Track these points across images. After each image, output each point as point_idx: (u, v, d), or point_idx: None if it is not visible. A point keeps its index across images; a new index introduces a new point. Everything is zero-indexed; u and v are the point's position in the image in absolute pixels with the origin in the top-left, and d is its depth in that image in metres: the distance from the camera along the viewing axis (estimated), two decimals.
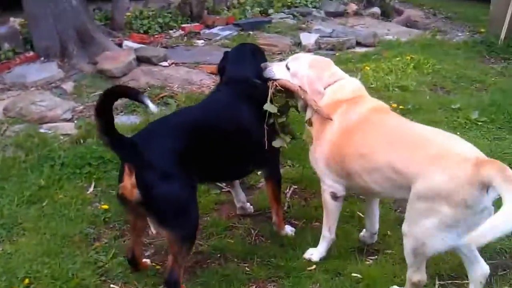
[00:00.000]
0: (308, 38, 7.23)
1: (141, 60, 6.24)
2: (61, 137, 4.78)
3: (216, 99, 3.36)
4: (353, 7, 9.46)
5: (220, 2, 8.85)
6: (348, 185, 3.12)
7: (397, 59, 6.48)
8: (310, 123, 3.23)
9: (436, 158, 2.62)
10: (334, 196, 3.18)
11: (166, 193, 2.68)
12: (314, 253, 3.31)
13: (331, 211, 3.24)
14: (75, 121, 5.13)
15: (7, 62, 6.28)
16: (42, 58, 6.41)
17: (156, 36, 7.35)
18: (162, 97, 5.46)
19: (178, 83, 5.83)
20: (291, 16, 8.58)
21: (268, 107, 3.25)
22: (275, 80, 3.30)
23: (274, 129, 3.28)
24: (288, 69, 3.32)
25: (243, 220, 3.69)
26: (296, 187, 4.10)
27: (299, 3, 9.22)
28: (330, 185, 3.17)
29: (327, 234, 3.29)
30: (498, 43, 7.40)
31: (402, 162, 2.72)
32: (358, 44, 7.43)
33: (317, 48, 7.12)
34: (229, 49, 3.86)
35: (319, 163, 3.19)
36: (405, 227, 2.77)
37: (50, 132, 4.88)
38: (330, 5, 9.31)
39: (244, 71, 3.41)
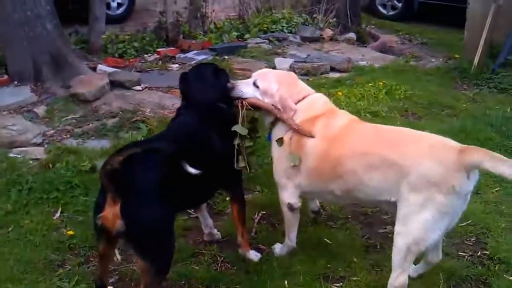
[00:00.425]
0: (283, 63, 7.30)
1: (114, 84, 6.24)
2: (31, 162, 4.74)
3: (183, 124, 3.31)
4: (328, 32, 9.57)
5: (197, 26, 8.92)
6: (332, 189, 3.21)
7: (370, 84, 6.57)
8: (281, 141, 3.30)
9: (425, 150, 2.87)
10: (291, 208, 3.41)
11: (151, 225, 2.68)
12: (281, 248, 3.60)
13: (289, 221, 3.50)
14: (45, 146, 5.10)
15: None
16: (16, 82, 6.37)
17: (131, 60, 7.37)
18: (134, 122, 5.44)
19: (150, 107, 5.83)
20: (267, 41, 8.66)
21: (239, 128, 3.30)
22: (244, 99, 3.34)
23: (239, 150, 3.34)
24: (257, 87, 3.35)
25: (210, 247, 3.68)
26: (264, 212, 4.11)
27: (276, 28, 9.32)
28: (289, 196, 3.38)
29: (288, 242, 3.57)
30: (471, 69, 7.47)
31: (398, 156, 2.90)
32: (332, 69, 7.51)
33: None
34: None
35: (282, 176, 3.37)
36: (398, 227, 2.90)
37: (19, 156, 4.83)
38: (306, 31, 9.41)
39: (208, 94, 3.34)
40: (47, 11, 6.29)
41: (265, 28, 9.28)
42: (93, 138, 5.29)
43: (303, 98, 3.35)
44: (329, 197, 3.39)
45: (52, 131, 5.47)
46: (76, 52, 7.15)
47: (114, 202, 2.63)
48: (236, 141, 3.32)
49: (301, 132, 3.20)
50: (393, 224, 3.86)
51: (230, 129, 3.32)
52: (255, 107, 3.35)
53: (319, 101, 3.39)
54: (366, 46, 9.97)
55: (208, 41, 8.20)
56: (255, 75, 3.47)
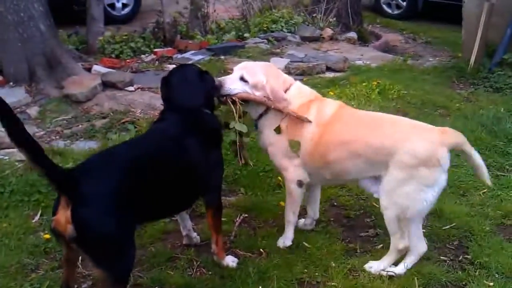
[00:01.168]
0: (278, 63, 7.23)
1: (107, 85, 6.23)
2: (16, 164, 4.73)
3: (161, 130, 3.24)
4: (328, 32, 9.49)
5: (198, 26, 8.90)
6: (322, 173, 3.45)
7: (364, 84, 6.50)
8: (279, 130, 3.42)
9: (409, 130, 3.20)
10: (300, 184, 3.51)
11: (102, 232, 2.56)
12: (284, 240, 3.66)
13: (297, 197, 3.57)
14: None
15: None
16: (11, 83, 6.40)
17: (127, 60, 7.36)
18: (124, 123, 5.44)
19: (141, 108, 5.83)
20: (265, 41, 8.61)
21: (239, 126, 3.36)
22: (234, 95, 3.36)
23: (239, 148, 3.45)
24: (246, 81, 3.38)
25: (187, 251, 3.64)
26: (246, 215, 4.08)
27: (275, 28, 9.26)
28: (296, 175, 3.48)
29: (292, 218, 3.65)
30: (467, 68, 7.41)
31: (382, 140, 3.18)
32: (328, 69, 7.44)
33: (287, 73, 7.03)
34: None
35: (282, 158, 3.49)
36: (384, 201, 3.22)
37: (6, 158, 4.83)
38: (306, 30, 9.34)
39: (190, 98, 3.24)
40: (40, 12, 6.29)
41: (265, 28, 9.22)
42: (81, 139, 5.29)
43: (290, 86, 3.50)
44: (320, 179, 3.58)
45: (42, 133, 5.48)
46: (72, 53, 7.17)
47: (66, 205, 2.52)
48: (237, 139, 3.42)
49: (299, 118, 3.33)
50: (375, 227, 3.91)
51: (213, 136, 3.28)
52: (245, 101, 3.40)
53: (305, 88, 3.58)
54: (367, 46, 9.89)
55: (206, 41, 8.17)
56: (238, 69, 3.48)
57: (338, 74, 7.26)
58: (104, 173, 2.65)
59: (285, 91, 3.45)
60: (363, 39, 10.25)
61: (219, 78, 3.46)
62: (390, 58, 8.41)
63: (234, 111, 3.36)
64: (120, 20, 10.18)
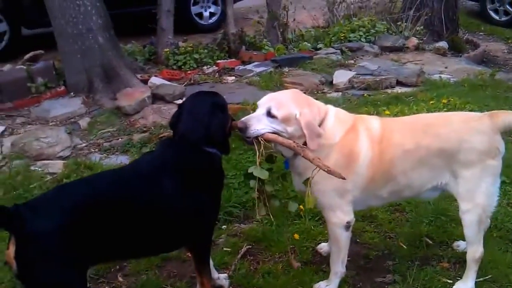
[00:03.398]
0: (342, 76, 6.77)
1: (156, 97, 6.17)
2: (48, 176, 4.78)
3: (136, 165, 2.98)
4: (414, 41, 8.75)
5: (273, 35, 8.63)
6: (380, 193, 3.13)
7: (431, 102, 5.82)
8: (308, 183, 2.85)
9: (461, 127, 3.03)
10: (348, 227, 3.10)
11: (44, 274, 2.41)
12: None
13: (345, 243, 3.14)
14: (67, 160, 5.12)
15: (37, 96, 6.48)
16: (72, 93, 6.57)
17: (188, 72, 7.27)
18: (161, 137, 5.29)
19: None
20: (339, 51, 8.11)
21: (258, 172, 2.86)
22: (260, 135, 2.86)
23: (259, 197, 2.97)
24: (273, 116, 2.87)
25: (179, 283, 3.38)
26: (251, 246, 3.74)
27: (354, 37, 8.72)
28: (345, 215, 3.07)
29: (341, 269, 3.22)
30: None
31: (440, 143, 3.00)
32: (399, 83, 6.80)
33: (350, 87, 6.63)
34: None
35: (332, 196, 3.02)
36: (465, 205, 3.04)
37: (39, 169, 4.90)
38: (387, 40, 8.67)
39: (190, 131, 2.89)
40: (99, 24, 6.40)
41: (342, 38, 8.71)
42: (117, 153, 5.24)
43: (326, 116, 3.02)
44: (372, 203, 3.27)
45: (83, 145, 5.51)
46: (133, 64, 7.22)
47: (14, 242, 2.41)
48: (255, 186, 2.92)
49: (331, 173, 2.71)
50: (395, 272, 3.37)
51: (202, 177, 2.88)
52: (272, 142, 2.92)
53: (342, 113, 3.15)
54: (460, 56, 9.00)
55: (272, 52, 7.86)
56: (265, 102, 2.95)
57: (407, 90, 6.61)
58: (51, 211, 2.47)
59: (322, 121, 2.97)
60: (456, 49, 9.34)
61: (243, 118, 2.96)
62: (477, 71, 7.50)
63: (258, 153, 2.87)
64: (208, 29, 10.21)
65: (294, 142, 2.81)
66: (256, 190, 2.94)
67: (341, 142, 2.96)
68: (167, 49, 7.59)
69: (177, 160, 2.84)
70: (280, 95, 3.03)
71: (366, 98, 6.12)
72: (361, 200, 3.12)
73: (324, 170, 2.71)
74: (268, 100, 2.94)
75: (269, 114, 2.87)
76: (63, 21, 6.28)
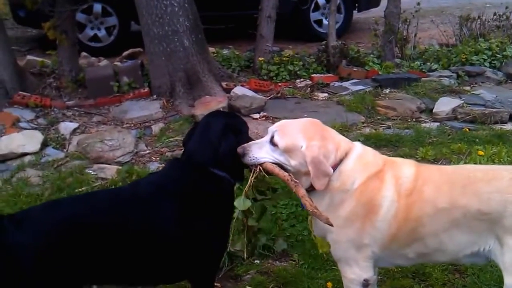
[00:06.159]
0: (446, 104, 5.85)
1: (233, 109, 5.76)
2: (98, 181, 4.57)
3: (137, 186, 2.74)
4: None
5: (388, 50, 7.86)
6: (404, 253, 2.65)
7: None
8: (329, 222, 2.43)
9: (509, 188, 2.47)
10: (366, 285, 2.66)
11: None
12: None
13: None
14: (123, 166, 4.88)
15: (119, 96, 6.40)
16: (154, 96, 6.40)
17: (279, 84, 6.78)
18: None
19: None
20: (454, 75, 7.14)
21: (237, 203, 2.59)
22: (259, 164, 2.57)
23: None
24: (275, 145, 2.53)
25: None
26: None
27: (476, 60, 7.66)
28: (362, 271, 2.63)
29: None
30: None
31: (479, 204, 2.47)
32: None
33: (452, 118, 5.70)
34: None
35: (347, 249, 2.61)
36: (510, 280, 2.47)
37: (93, 173, 4.72)
38: None
39: (198, 153, 2.67)
40: (186, 27, 6.15)
41: (463, 60, 7.70)
42: (158, 160, 4.93)
43: (346, 156, 2.58)
44: (398, 262, 2.78)
45: (146, 152, 5.26)
46: (221, 70, 6.91)
47: None
48: (239, 216, 2.67)
49: (316, 216, 2.40)
50: None
51: (205, 202, 2.60)
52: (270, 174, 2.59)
53: (368, 154, 2.66)
54: None
55: (375, 69, 7.10)
56: (272, 128, 2.62)
57: None
58: (35, 226, 2.35)
59: (340, 161, 2.55)
60: None
61: (246, 144, 2.64)
62: None
63: (249, 181, 2.59)
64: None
65: (289, 175, 2.49)
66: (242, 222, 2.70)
67: (360, 189, 2.53)
68: (262, 58, 7.16)
69: (180, 182, 2.62)
70: (291, 122, 2.69)
71: (464, 133, 5.21)
72: (384, 257, 2.67)
73: (308, 211, 2.43)
74: (275, 126, 2.64)
75: (272, 141, 2.56)
76: (150, 20, 6.11)
